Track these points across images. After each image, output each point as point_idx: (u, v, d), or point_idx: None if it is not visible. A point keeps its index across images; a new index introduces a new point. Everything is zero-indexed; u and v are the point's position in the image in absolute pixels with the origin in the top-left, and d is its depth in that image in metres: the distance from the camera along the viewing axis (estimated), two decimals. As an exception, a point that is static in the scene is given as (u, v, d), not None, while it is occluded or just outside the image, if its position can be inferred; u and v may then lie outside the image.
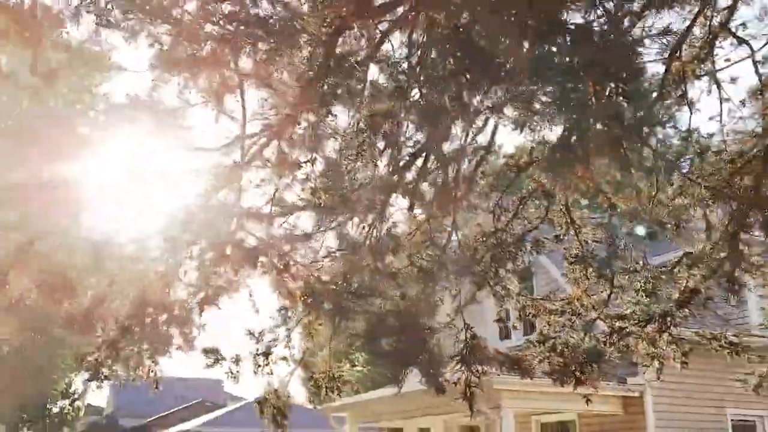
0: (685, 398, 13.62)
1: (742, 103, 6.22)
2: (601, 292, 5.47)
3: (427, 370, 5.22)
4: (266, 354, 5.38)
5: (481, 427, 17.68)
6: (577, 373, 5.01)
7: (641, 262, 5.62)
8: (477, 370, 5.32)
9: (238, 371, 5.35)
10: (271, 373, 5.48)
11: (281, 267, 4.20)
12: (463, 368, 5.30)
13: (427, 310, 5.14)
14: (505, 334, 17.27)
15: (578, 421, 14.94)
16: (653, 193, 5.19)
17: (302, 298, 4.80)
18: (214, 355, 5.20)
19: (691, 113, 5.27)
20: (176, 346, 5.08)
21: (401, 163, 4.66)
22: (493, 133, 4.90)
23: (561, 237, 5.57)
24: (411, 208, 4.79)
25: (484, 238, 5.15)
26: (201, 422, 32.03)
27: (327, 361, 5.69)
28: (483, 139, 4.97)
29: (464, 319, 5.41)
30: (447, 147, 4.58)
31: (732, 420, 14.13)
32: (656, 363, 6.26)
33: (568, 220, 5.29)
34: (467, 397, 5.21)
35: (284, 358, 5.51)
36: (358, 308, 4.89)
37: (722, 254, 5.39)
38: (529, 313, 5.61)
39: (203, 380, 50.79)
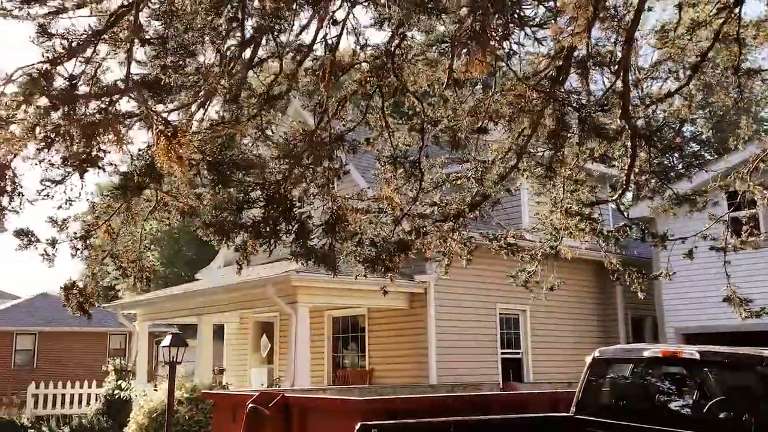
0: (462, 294, 15.10)
1: None
2: (410, 191, 5.88)
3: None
4: (84, 237, 5.14)
5: (275, 322, 18.31)
6: (387, 262, 5.41)
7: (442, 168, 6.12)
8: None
9: (54, 254, 5.07)
10: (88, 257, 5.26)
11: (170, 134, 3.98)
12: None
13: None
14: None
15: (367, 315, 16.01)
16: (459, 106, 5.59)
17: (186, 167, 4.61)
18: (27, 236, 4.85)
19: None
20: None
21: (228, 53, 4.57)
22: (317, 31, 4.96)
23: (373, 139, 5.85)
24: (235, 99, 4.73)
25: (304, 136, 5.27)
26: (-31, 321, 29.66)
27: (136, 250, 5.59)
28: (307, 37, 5.03)
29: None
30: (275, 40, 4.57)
31: (500, 313, 15.95)
32: (446, 259, 6.93)
33: (383, 123, 5.56)
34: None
35: (92, 246, 5.29)
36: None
37: (510, 164, 6.01)
38: (338, 211, 5.85)
39: (-31, 277, 46.66)
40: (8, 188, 4.47)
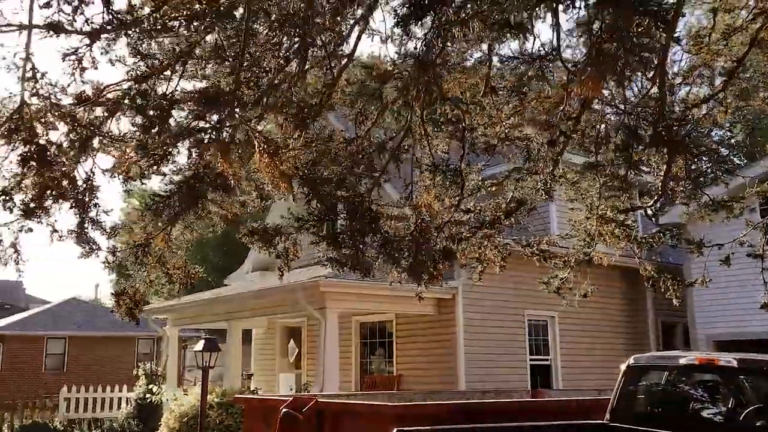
0: (490, 300, 15.07)
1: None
2: (449, 199, 5.92)
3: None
4: (144, 245, 5.27)
5: (302, 327, 18.40)
6: (431, 270, 5.46)
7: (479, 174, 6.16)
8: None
9: (114, 261, 5.22)
10: (146, 264, 5.39)
11: (272, 151, 4.15)
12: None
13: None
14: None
15: (395, 320, 16.04)
16: (497, 113, 5.64)
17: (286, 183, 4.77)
18: (89, 245, 4.99)
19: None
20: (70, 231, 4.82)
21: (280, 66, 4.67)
22: (356, 42, 5.04)
23: (410, 147, 5.90)
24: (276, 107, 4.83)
25: (345, 145, 5.35)
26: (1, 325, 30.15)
27: (182, 257, 5.70)
28: (346, 48, 5.09)
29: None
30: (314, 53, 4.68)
31: (529, 320, 15.89)
32: (480, 265, 6.95)
33: (423, 131, 5.61)
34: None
35: (150, 254, 5.43)
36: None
37: (546, 170, 6.02)
38: (422, 223, 5.89)
39: (1, 282, 47.37)
40: (86, 199, 4.62)
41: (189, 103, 4.47)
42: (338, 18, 4.40)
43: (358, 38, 4.96)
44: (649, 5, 3.94)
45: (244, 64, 4.47)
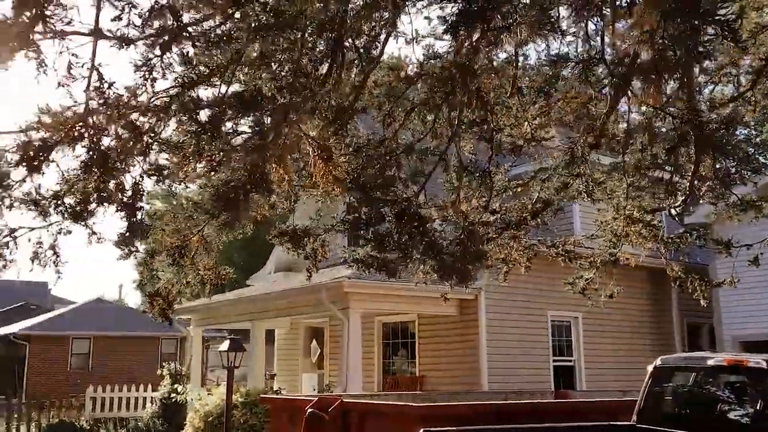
0: (512, 301, 15.01)
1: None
2: (476, 200, 5.94)
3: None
4: (181, 248, 5.36)
5: (325, 327, 18.46)
6: (464, 271, 5.48)
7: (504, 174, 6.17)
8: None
9: (152, 262, 5.32)
10: (183, 266, 5.49)
11: (326, 156, 4.26)
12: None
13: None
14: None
15: (417, 321, 16.03)
16: (523, 114, 5.64)
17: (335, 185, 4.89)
18: (127, 247, 5.09)
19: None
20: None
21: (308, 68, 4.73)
22: (384, 44, 5.07)
23: (435, 148, 5.92)
24: (313, 110, 4.88)
25: (376, 146, 5.38)
26: (26, 326, 30.54)
27: (213, 258, 5.78)
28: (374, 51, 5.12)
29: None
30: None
31: (552, 320, 15.82)
32: (506, 266, 6.95)
33: (450, 133, 5.63)
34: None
35: (187, 255, 5.52)
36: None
37: (575, 171, 6.01)
38: (469, 227, 5.92)
39: (25, 283, 47.86)
40: (133, 202, 4.72)
41: (223, 106, 4.55)
42: (371, 21, 4.45)
43: (386, 40, 5.01)
44: (716, 15, 3.95)
45: (286, 69, 4.54)
